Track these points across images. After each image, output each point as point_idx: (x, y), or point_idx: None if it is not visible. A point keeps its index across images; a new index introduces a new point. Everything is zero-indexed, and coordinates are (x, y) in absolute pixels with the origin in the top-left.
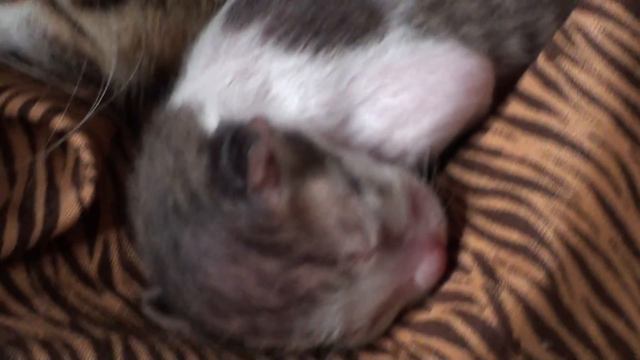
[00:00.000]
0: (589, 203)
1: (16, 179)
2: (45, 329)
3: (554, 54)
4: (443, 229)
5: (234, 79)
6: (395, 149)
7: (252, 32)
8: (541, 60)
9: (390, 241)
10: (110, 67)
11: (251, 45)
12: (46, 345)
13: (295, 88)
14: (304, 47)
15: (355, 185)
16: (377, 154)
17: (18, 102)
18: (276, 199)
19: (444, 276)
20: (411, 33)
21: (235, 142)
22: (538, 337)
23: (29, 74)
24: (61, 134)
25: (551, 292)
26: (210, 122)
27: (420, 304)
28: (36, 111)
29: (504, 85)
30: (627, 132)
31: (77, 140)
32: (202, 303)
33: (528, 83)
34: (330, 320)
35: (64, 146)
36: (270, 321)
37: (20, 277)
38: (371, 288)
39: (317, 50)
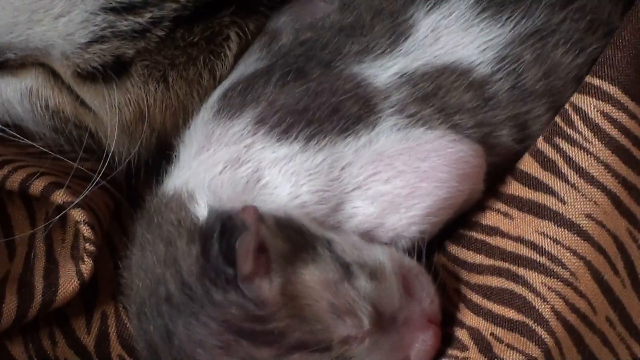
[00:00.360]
0: (586, 282)
1: (15, 252)
2: None
3: (553, 134)
4: (436, 307)
5: (225, 167)
6: (388, 234)
7: (244, 121)
8: (540, 141)
9: (384, 322)
10: (112, 139)
11: (243, 134)
12: None
13: (287, 176)
14: (296, 136)
15: (346, 269)
16: (369, 237)
17: (18, 176)
18: (267, 289)
19: (441, 353)
20: (403, 122)
21: (225, 232)
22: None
23: (29, 146)
24: (61, 207)
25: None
26: (201, 211)
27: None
28: (37, 186)
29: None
30: (625, 212)
31: (77, 215)
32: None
33: (527, 163)
34: None
35: (64, 220)
36: None
37: (18, 351)
38: None
39: (309, 139)
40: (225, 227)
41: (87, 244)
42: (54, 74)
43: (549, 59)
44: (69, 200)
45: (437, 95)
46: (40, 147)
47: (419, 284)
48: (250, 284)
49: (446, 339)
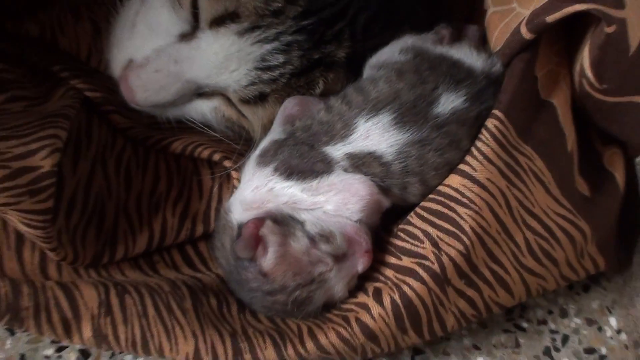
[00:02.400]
0: (485, 211)
1: (203, 196)
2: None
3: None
4: (369, 244)
5: (255, 189)
6: (345, 216)
7: (269, 169)
8: None
9: (340, 258)
10: (257, 133)
11: (267, 175)
12: None
13: (287, 192)
14: (293, 178)
15: (312, 239)
16: (338, 214)
17: (207, 151)
18: (264, 264)
19: (409, 242)
20: (345, 172)
21: (240, 237)
22: (459, 277)
23: (214, 136)
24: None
25: (467, 255)
26: (234, 220)
27: (396, 255)
28: (216, 157)
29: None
30: (505, 176)
31: (235, 174)
32: (248, 293)
33: None
34: (320, 300)
35: (229, 177)
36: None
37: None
38: (338, 282)
39: (299, 179)
40: (240, 232)
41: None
42: (228, 99)
43: (425, 156)
44: (232, 165)
45: (363, 165)
46: (219, 136)
47: (359, 235)
48: (253, 262)
49: (413, 236)
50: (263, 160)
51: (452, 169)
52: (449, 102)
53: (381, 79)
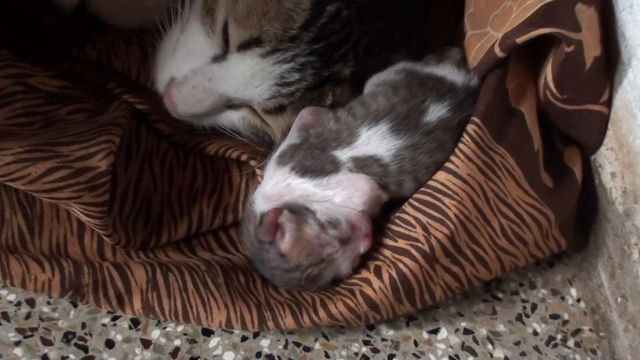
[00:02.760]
0: (466, 201)
1: (232, 190)
2: None
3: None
4: (369, 229)
5: (274, 184)
6: (351, 206)
7: (286, 168)
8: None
9: (345, 242)
10: (277, 138)
11: (285, 173)
12: None
13: (301, 187)
14: (307, 176)
15: (321, 226)
16: (345, 204)
17: (235, 153)
18: (282, 246)
19: (403, 227)
20: (350, 172)
21: (261, 222)
22: (445, 256)
23: (241, 140)
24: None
25: (451, 238)
26: (257, 210)
27: (392, 238)
28: (243, 157)
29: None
30: (483, 172)
31: (259, 172)
32: (269, 271)
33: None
34: (329, 276)
35: (254, 174)
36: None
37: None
38: (344, 261)
39: (313, 177)
40: (262, 220)
41: None
42: (253, 110)
43: (416, 158)
44: (256, 164)
45: (365, 166)
46: (245, 140)
47: (361, 222)
48: (273, 245)
49: (406, 222)
50: (282, 161)
51: (439, 167)
52: (435, 112)
53: (380, 93)
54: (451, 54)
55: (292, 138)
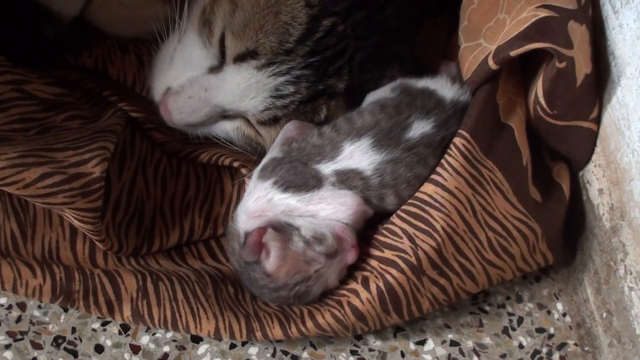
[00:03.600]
0: (454, 214)
1: (224, 201)
2: None
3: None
4: (354, 240)
5: (256, 199)
6: (337, 219)
7: (268, 183)
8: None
9: (332, 255)
10: (268, 147)
11: (267, 188)
12: None
13: (284, 203)
14: (289, 191)
15: (307, 242)
16: (332, 217)
17: (228, 159)
18: (268, 266)
19: (390, 238)
20: (333, 187)
21: (246, 244)
22: (432, 268)
23: (235, 149)
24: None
25: (438, 250)
26: (240, 228)
27: (379, 249)
28: (235, 164)
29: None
30: (470, 186)
31: (248, 181)
32: (257, 289)
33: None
34: (317, 291)
35: (244, 182)
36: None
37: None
38: (331, 274)
39: (295, 192)
40: (246, 240)
41: None
42: (247, 121)
43: (397, 172)
44: (247, 173)
45: (347, 180)
46: (238, 148)
47: (346, 234)
48: (259, 265)
49: (392, 233)
50: (263, 175)
51: (421, 181)
52: (419, 129)
53: (366, 111)
54: (450, 68)
55: (274, 152)
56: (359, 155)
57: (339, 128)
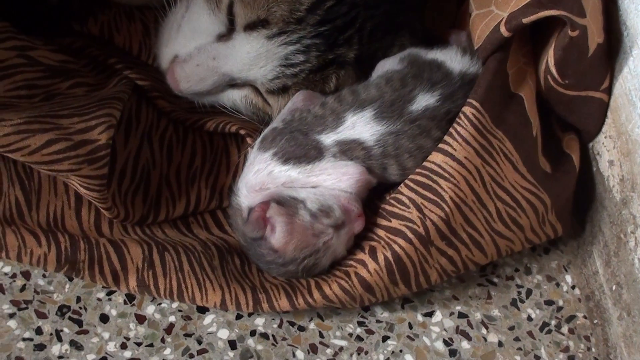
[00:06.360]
0: (464, 184)
1: (229, 171)
2: None
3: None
4: (360, 209)
5: (256, 172)
6: (341, 188)
7: (268, 154)
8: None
9: (339, 226)
10: (275, 116)
11: (267, 160)
12: None
13: (284, 174)
14: (290, 162)
15: (313, 215)
16: (336, 187)
17: (234, 127)
18: (274, 241)
19: (397, 207)
20: (334, 158)
21: (249, 220)
22: (440, 238)
23: (242, 118)
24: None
25: (447, 220)
26: (242, 203)
27: (387, 218)
28: (241, 132)
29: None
30: (480, 155)
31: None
32: (265, 265)
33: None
34: (326, 263)
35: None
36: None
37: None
38: (339, 245)
39: (295, 164)
40: (249, 215)
41: None
42: (256, 90)
43: (399, 143)
44: (252, 142)
45: (349, 150)
46: (245, 117)
47: (352, 203)
48: (264, 241)
49: (400, 202)
50: (263, 146)
51: (425, 152)
52: (423, 101)
53: (372, 85)
54: (461, 38)
55: (276, 122)
56: (361, 126)
57: (343, 99)
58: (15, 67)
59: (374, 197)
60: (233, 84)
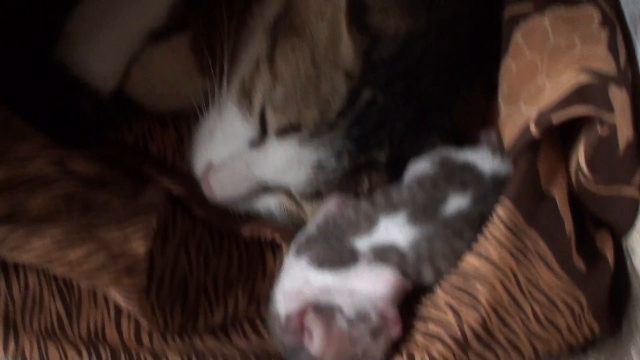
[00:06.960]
0: (499, 287)
1: (266, 275)
2: None
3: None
4: (398, 317)
5: (292, 279)
6: (377, 295)
7: (303, 260)
8: None
9: (376, 331)
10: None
11: (302, 267)
12: None
13: (320, 283)
14: (326, 269)
15: (350, 322)
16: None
17: (269, 233)
18: (313, 349)
19: (434, 311)
20: (368, 263)
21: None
22: (478, 342)
23: (276, 222)
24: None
25: (484, 324)
26: (279, 310)
27: (424, 321)
28: (277, 237)
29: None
30: (514, 257)
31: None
32: None
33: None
34: None
35: None
36: None
37: None
38: (377, 351)
39: (331, 270)
40: (286, 323)
41: None
42: (289, 194)
43: (433, 246)
44: (287, 248)
45: (383, 254)
46: (279, 222)
47: (388, 309)
48: (303, 349)
49: (431, 307)
50: (298, 253)
51: (458, 254)
52: (455, 203)
53: (404, 187)
54: (488, 136)
55: (310, 228)
56: (395, 230)
57: (375, 202)
58: (53, 179)
59: (409, 299)
60: (267, 188)
